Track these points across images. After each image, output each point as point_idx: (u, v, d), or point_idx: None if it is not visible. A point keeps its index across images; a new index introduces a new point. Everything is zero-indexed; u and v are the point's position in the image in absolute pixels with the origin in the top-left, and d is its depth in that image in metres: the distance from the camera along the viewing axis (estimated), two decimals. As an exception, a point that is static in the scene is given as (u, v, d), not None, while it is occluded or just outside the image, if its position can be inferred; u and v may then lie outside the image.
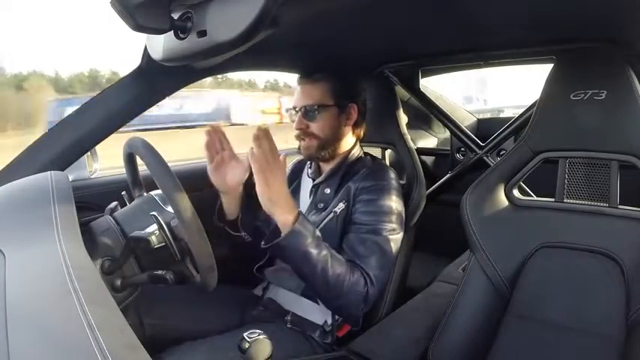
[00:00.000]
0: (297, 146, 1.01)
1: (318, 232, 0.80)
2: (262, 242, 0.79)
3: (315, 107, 0.93)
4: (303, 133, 0.95)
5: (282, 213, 0.76)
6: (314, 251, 0.76)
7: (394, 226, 0.90)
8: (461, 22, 0.84)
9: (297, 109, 0.95)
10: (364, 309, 0.85)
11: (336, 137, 0.97)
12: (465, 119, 1.64)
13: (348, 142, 1.00)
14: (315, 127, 0.94)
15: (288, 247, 0.76)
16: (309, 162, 1.05)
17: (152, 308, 0.86)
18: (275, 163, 0.75)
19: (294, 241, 0.75)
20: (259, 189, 0.75)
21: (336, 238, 0.90)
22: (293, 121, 0.97)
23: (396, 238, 0.90)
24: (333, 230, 0.90)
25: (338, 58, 1.08)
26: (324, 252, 0.78)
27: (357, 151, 1.00)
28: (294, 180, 1.08)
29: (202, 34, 0.58)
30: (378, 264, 0.85)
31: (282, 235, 0.76)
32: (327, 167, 1.00)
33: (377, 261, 0.85)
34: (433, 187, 1.47)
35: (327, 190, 0.96)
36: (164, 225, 0.65)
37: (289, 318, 0.93)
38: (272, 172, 0.74)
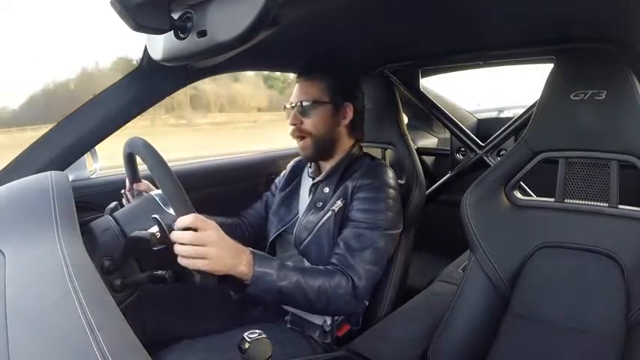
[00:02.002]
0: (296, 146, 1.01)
1: (277, 262, 0.76)
2: (232, 294, 0.75)
3: (310, 103, 0.93)
4: (298, 129, 0.94)
5: (236, 267, 0.69)
6: (284, 283, 0.74)
7: (390, 223, 0.90)
8: (461, 22, 0.84)
9: (292, 105, 0.95)
10: (356, 304, 0.85)
11: (332, 136, 0.96)
12: (465, 119, 1.64)
13: (345, 142, 0.99)
14: (309, 123, 0.94)
15: (258, 292, 0.73)
16: (311, 164, 1.05)
17: (152, 308, 0.86)
18: (206, 232, 0.65)
19: (260, 285, 0.72)
20: (212, 270, 0.65)
21: (333, 236, 0.90)
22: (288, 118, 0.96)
23: (392, 235, 0.90)
24: (330, 228, 0.90)
25: (338, 58, 1.08)
26: (294, 278, 0.76)
27: (356, 152, 1.00)
28: (293, 179, 1.08)
29: (202, 34, 0.58)
30: (370, 258, 0.85)
31: (247, 284, 0.72)
32: (326, 166, 1.00)
33: (370, 255, 0.85)
34: (433, 187, 1.47)
35: (326, 190, 0.96)
36: (165, 226, 0.65)
37: (289, 318, 0.93)
38: (210, 244, 0.64)
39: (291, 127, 0.95)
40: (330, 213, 0.91)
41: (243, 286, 0.72)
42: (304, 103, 0.93)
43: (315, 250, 0.91)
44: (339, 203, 0.91)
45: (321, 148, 0.96)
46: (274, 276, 0.74)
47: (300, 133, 0.95)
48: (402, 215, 0.95)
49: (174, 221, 0.66)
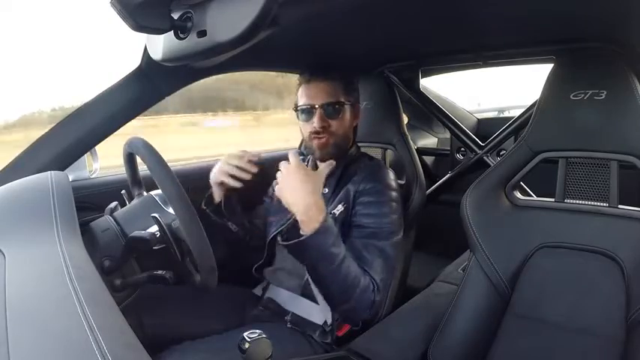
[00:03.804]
0: (296, 146, 1.01)
1: (337, 229, 0.77)
2: (280, 239, 0.76)
3: (341, 104, 0.92)
4: (324, 131, 0.91)
5: (316, 212, 0.74)
6: (335, 251, 0.73)
7: (394, 228, 0.90)
8: (461, 22, 0.84)
9: (315, 107, 0.91)
10: (370, 314, 0.84)
11: (348, 136, 0.97)
12: (465, 119, 1.64)
13: (351, 142, 1.00)
14: (336, 124, 0.92)
15: (311, 245, 0.72)
16: (307, 161, 1.05)
17: (152, 308, 0.85)
18: (307, 173, 0.77)
19: (319, 239, 0.72)
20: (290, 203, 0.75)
21: None
22: (303, 120, 0.93)
23: (396, 241, 0.90)
24: None
25: (338, 58, 1.08)
26: (343, 252, 0.76)
27: (354, 151, 1.00)
28: None
29: (202, 34, 0.58)
30: (382, 268, 0.85)
31: (308, 232, 0.72)
32: None
33: (381, 266, 0.85)
34: (433, 187, 1.47)
35: (325, 190, 0.95)
36: (165, 226, 0.65)
37: (289, 318, 0.93)
38: (306, 180, 0.76)
39: (316, 130, 0.90)
40: (330, 216, 0.91)
41: (295, 233, 0.73)
42: (331, 104, 0.90)
43: None
44: (340, 207, 0.91)
45: (339, 149, 0.94)
46: (332, 238, 0.74)
47: (325, 135, 0.91)
48: (403, 217, 0.95)
49: (173, 220, 0.66)
